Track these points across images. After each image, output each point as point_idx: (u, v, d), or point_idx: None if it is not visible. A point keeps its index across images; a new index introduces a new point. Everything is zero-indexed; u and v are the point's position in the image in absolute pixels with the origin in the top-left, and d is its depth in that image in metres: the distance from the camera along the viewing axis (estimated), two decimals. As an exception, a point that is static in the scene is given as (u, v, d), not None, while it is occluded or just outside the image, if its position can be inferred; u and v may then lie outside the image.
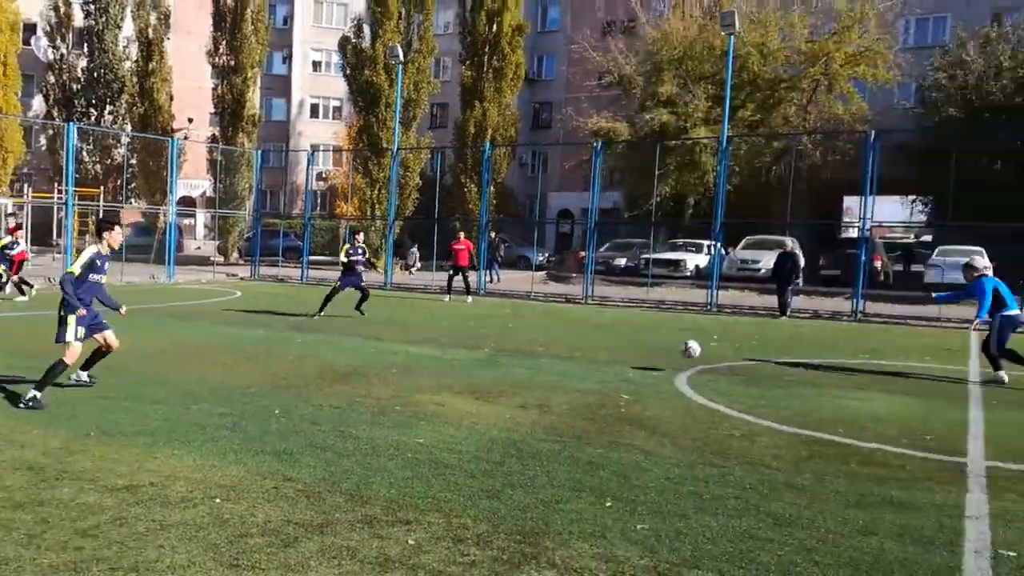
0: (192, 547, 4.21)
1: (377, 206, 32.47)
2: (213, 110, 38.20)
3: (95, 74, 40.63)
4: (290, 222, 40.47)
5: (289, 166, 49.66)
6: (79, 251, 8.07)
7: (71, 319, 7.49)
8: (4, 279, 17.39)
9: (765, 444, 6.79)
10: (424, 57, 33.35)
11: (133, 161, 37.52)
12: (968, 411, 8.53)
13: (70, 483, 5.19)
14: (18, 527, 4.42)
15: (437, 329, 14.74)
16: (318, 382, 8.98)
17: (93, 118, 40.15)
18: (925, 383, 10.37)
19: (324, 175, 50.38)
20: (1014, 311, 10.42)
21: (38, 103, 42.25)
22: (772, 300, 20.09)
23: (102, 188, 35.12)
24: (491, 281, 26.75)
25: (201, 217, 47.84)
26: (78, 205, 26.50)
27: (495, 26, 34.47)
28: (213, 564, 4.01)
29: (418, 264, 33.52)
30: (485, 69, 34.75)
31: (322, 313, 15.68)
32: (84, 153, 38.32)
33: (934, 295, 12.60)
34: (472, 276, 22.46)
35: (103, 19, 40.45)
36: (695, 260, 29.63)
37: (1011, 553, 4.51)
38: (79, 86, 40.67)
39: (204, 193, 45.83)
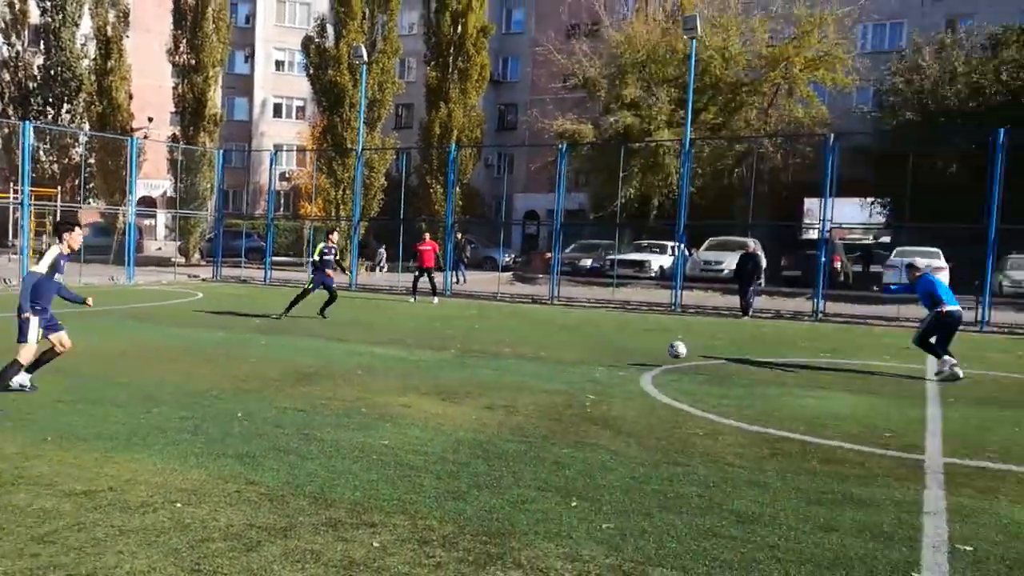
0: (152, 552, 4.14)
1: (342, 207, 32.22)
2: (174, 109, 37.62)
3: (52, 72, 39.74)
4: (253, 223, 40.03)
5: (252, 166, 49.14)
6: (38, 252, 8.02)
7: (34, 320, 7.45)
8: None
9: (728, 443, 6.87)
10: (388, 57, 33.17)
11: (91, 161, 36.81)
12: (926, 408, 8.70)
13: (26, 488, 5.08)
14: (-29, 534, 4.31)
15: (403, 330, 14.68)
16: (281, 384, 8.88)
17: (50, 117, 39.28)
18: (884, 381, 10.56)
19: (288, 175, 49.91)
20: (953, 307, 10.77)
21: (-7, 101, 41.31)
22: (735, 300, 20.31)
23: (60, 188, 34.35)
24: (457, 282, 26.70)
25: (162, 217, 47.13)
26: (35, 205, 25.96)
27: (460, 27, 34.48)
28: (174, 569, 3.95)
29: (386, 265, 33.36)
30: (450, 70, 34.76)
31: (288, 314, 15.54)
32: (41, 152, 37.57)
33: (888, 285, 12.95)
34: (438, 277, 22.40)
35: (60, 16, 39.56)
36: (659, 261, 29.92)
37: (967, 548, 4.61)
38: (35, 84, 39.74)
39: (165, 193, 45.11)
